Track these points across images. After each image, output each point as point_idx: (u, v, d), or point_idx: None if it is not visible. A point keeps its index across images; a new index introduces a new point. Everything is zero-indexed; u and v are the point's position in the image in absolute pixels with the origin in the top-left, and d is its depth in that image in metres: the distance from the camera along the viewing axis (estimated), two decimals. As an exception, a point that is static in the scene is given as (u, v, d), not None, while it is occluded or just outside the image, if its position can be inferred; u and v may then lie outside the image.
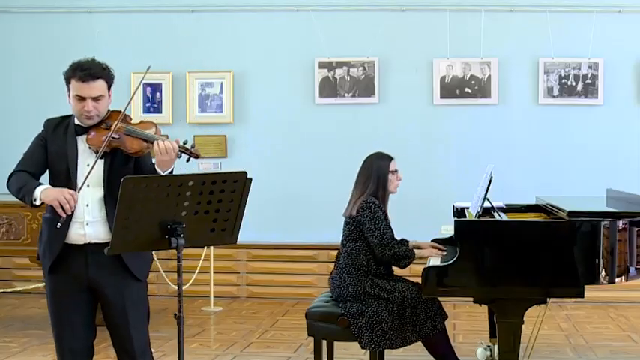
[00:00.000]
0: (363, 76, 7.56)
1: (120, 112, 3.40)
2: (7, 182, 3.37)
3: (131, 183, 2.92)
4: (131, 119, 3.45)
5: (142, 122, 3.49)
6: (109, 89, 3.37)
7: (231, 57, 7.70)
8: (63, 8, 7.82)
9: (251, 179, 3.12)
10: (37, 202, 3.23)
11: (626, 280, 4.07)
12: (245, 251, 7.61)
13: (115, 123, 3.31)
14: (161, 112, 7.67)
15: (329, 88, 7.60)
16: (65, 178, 3.32)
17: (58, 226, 3.21)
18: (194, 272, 7.09)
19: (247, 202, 3.17)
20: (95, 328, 3.46)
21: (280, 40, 7.66)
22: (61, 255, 3.32)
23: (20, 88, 7.94)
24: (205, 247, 6.97)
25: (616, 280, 3.97)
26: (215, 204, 3.09)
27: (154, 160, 3.35)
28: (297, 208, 7.63)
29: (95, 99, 3.30)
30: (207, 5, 7.70)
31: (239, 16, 7.70)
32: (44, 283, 6.09)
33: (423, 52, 7.48)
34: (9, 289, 7.16)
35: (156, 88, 7.74)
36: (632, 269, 4.06)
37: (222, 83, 7.70)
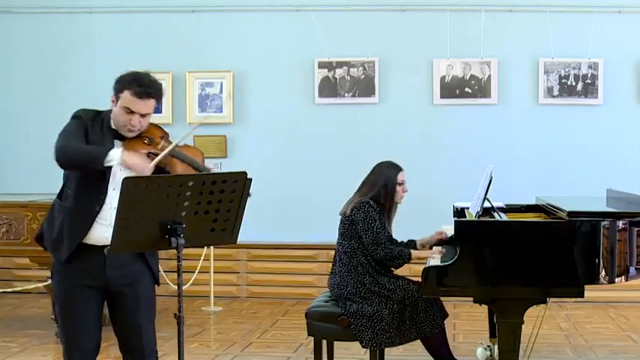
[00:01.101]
0: (363, 76, 7.56)
1: (159, 127, 3.39)
2: (59, 150, 3.18)
3: (131, 183, 2.91)
4: (172, 142, 3.37)
5: (188, 147, 3.45)
6: (154, 107, 3.34)
7: (231, 57, 7.70)
8: (63, 8, 7.82)
9: (251, 179, 3.12)
10: (113, 163, 3.16)
11: (626, 280, 4.07)
12: (245, 251, 7.61)
13: (168, 148, 3.24)
14: (161, 112, 7.65)
15: (329, 88, 7.60)
16: (98, 174, 3.25)
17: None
18: (194, 272, 7.09)
19: (247, 202, 3.17)
20: (101, 328, 3.47)
21: (280, 40, 7.66)
22: (76, 252, 3.28)
23: (20, 88, 7.93)
24: (205, 247, 6.97)
25: (616, 280, 3.97)
26: (215, 204, 3.09)
27: None
28: (297, 208, 7.63)
29: (143, 115, 3.27)
30: (207, 5, 7.70)
31: (239, 16, 7.70)
32: (45, 283, 6.09)
33: (423, 52, 7.48)
34: (9, 289, 7.15)
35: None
36: (632, 269, 4.05)
37: (222, 83, 7.70)
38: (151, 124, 3.38)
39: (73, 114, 3.36)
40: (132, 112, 3.24)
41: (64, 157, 3.21)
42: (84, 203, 3.26)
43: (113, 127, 3.33)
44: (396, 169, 4.64)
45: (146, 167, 3.18)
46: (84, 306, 3.33)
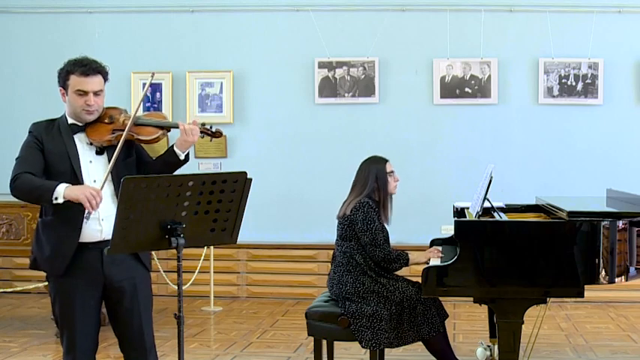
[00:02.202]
0: (363, 76, 7.56)
1: (115, 107, 3.48)
2: (12, 185, 3.27)
3: (131, 183, 2.92)
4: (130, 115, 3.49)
5: (150, 113, 3.60)
6: (104, 85, 3.43)
7: (231, 57, 7.70)
8: (63, 8, 7.82)
9: (251, 179, 3.12)
10: (60, 200, 3.18)
11: (626, 280, 4.07)
12: (245, 251, 7.60)
13: (130, 120, 3.37)
14: (160, 112, 7.67)
15: (329, 88, 7.60)
16: (70, 177, 3.29)
17: (84, 223, 3.23)
18: (194, 272, 7.10)
19: (247, 202, 3.17)
20: (100, 327, 3.47)
21: (280, 40, 7.66)
22: (74, 256, 3.29)
23: (20, 88, 7.94)
24: (205, 247, 6.97)
25: (616, 280, 3.97)
26: (215, 204, 3.09)
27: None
28: (297, 208, 7.63)
29: (95, 93, 3.35)
30: (207, 5, 7.70)
31: (239, 16, 7.70)
32: (44, 283, 6.09)
33: (423, 52, 7.48)
34: (9, 289, 7.15)
35: (156, 88, 7.74)
36: (632, 269, 4.06)
37: (222, 83, 7.71)
38: (107, 107, 3.46)
39: (29, 129, 3.43)
40: (85, 93, 3.33)
41: (16, 193, 3.29)
42: (66, 208, 3.24)
43: (71, 122, 3.39)
44: (382, 161, 4.64)
45: (90, 191, 3.15)
46: (84, 308, 3.34)
